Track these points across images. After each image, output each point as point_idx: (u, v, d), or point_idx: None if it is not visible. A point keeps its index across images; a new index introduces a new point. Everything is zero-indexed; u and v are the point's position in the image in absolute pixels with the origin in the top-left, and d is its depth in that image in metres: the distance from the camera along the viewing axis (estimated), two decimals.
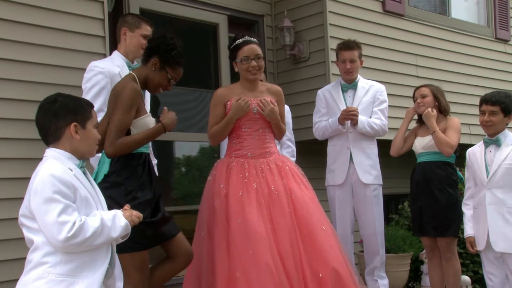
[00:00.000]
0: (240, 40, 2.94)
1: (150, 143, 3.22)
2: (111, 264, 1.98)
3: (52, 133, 1.95)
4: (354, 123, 3.63)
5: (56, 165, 1.89)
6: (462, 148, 3.54)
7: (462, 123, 3.69)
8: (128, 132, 2.45)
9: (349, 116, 3.62)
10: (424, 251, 3.91)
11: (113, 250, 2.02)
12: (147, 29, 3.05)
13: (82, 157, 2.00)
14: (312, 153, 4.43)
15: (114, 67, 2.94)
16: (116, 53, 3.06)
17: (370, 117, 3.75)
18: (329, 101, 3.82)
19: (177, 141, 4.39)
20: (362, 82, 3.82)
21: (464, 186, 3.36)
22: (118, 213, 1.97)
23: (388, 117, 3.85)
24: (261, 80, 3.40)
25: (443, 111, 3.54)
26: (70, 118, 1.95)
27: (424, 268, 4.24)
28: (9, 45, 3.01)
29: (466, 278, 4.06)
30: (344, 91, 3.80)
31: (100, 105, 2.82)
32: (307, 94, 4.47)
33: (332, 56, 4.10)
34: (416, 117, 3.70)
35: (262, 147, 2.93)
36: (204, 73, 4.57)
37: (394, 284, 4.05)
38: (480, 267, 3.30)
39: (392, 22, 5.00)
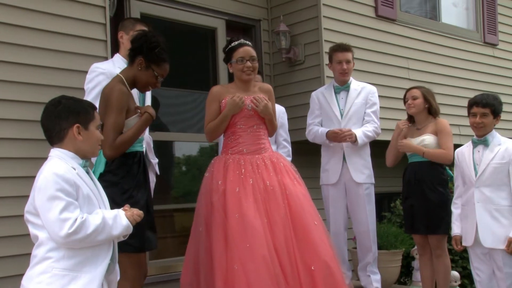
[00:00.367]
0: (236, 43, 2.98)
1: (152, 144, 3.24)
2: (113, 259, 1.99)
3: (56, 134, 1.97)
4: (353, 141, 3.64)
5: (59, 164, 1.90)
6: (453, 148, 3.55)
7: (452, 124, 3.72)
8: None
9: (345, 138, 3.62)
10: (415, 247, 3.93)
11: (115, 246, 2.03)
12: (141, 29, 3.05)
13: (85, 157, 2.01)
14: (307, 153, 4.44)
15: (115, 69, 2.95)
16: (117, 56, 3.07)
17: (363, 118, 3.78)
18: (322, 102, 3.84)
19: (177, 141, 4.40)
20: (354, 84, 3.84)
21: (454, 185, 3.38)
22: (120, 212, 1.98)
23: (380, 118, 3.87)
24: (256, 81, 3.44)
25: (433, 112, 3.55)
26: (73, 119, 1.96)
27: (415, 264, 4.26)
28: (15, 49, 3.02)
29: (455, 274, 4.08)
30: (337, 92, 3.82)
31: None
32: (302, 96, 4.49)
33: (327, 59, 4.11)
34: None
35: (256, 143, 2.96)
36: (202, 76, 4.58)
37: (386, 279, 4.07)
38: (468, 263, 3.32)
39: (385, 26, 5.02)
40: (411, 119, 3.64)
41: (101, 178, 2.39)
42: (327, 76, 4.40)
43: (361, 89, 3.81)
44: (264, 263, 2.59)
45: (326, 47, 4.36)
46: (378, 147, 4.06)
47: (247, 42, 3.00)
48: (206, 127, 3.00)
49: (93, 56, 3.24)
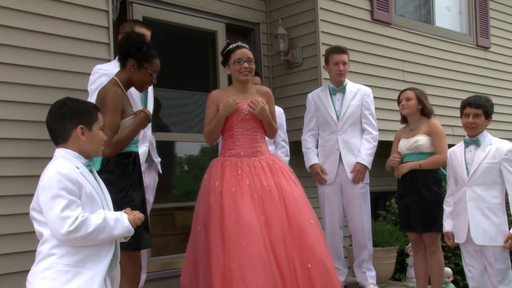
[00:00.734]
0: (233, 45, 3.00)
1: (154, 144, 3.25)
2: (115, 256, 2.00)
3: (60, 135, 1.98)
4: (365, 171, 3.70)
5: (63, 164, 1.91)
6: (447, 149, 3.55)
7: (446, 125, 3.72)
8: None
9: (359, 179, 3.68)
10: (410, 244, 3.94)
11: (117, 243, 2.03)
12: (140, 31, 3.05)
13: (88, 157, 2.02)
14: None
15: (117, 70, 2.95)
16: None
17: (360, 120, 3.78)
18: (318, 104, 3.84)
19: (178, 141, 4.41)
20: (350, 86, 3.84)
21: (446, 184, 3.39)
22: (122, 215, 1.98)
23: (376, 119, 3.88)
24: (256, 84, 3.44)
25: (427, 113, 3.55)
26: (77, 121, 1.97)
27: (410, 260, 4.26)
28: (20, 52, 3.03)
29: (448, 270, 4.08)
30: (333, 94, 3.83)
31: None
32: (300, 97, 4.49)
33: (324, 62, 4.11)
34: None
35: (253, 146, 2.96)
36: (203, 77, 4.58)
37: (381, 276, 4.07)
38: (461, 260, 3.33)
39: (380, 30, 5.03)
40: (404, 119, 3.65)
41: None
42: (324, 78, 4.40)
43: (356, 91, 3.81)
44: (260, 260, 2.59)
45: (323, 50, 4.36)
46: None
47: (244, 44, 3.02)
48: (204, 130, 3.01)
49: (96, 58, 3.24)
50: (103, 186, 2.07)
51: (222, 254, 2.67)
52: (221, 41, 4.41)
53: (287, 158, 3.76)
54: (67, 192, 1.85)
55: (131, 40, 2.51)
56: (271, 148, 3.54)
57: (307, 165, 3.84)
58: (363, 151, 3.69)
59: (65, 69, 3.18)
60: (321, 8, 4.52)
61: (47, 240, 1.89)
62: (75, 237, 1.83)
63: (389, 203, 4.96)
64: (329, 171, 3.77)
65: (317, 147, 3.87)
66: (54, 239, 1.87)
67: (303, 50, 4.60)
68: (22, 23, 3.04)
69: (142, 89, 2.64)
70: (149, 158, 3.18)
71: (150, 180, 3.21)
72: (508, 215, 3.24)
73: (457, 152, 3.22)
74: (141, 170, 2.58)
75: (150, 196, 3.22)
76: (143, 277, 3.15)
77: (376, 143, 3.77)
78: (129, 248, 2.36)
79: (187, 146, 4.50)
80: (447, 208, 3.28)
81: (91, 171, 2.02)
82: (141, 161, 3.01)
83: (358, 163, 3.67)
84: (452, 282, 4.19)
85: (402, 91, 3.64)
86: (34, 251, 1.94)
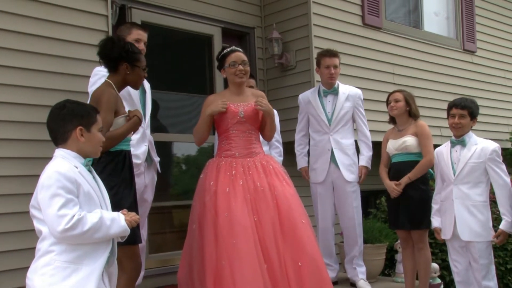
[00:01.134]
0: (228, 49, 3.02)
1: (153, 144, 3.24)
2: (112, 253, 2.00)
3: (60, 136, 1.98)
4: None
5: (62, 163, 1.91)
6: (434, 149, 3.57)
7: (433, 126, 3.74)
8: None
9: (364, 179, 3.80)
10: (398, 241, 3.95)
11: (114, 240, 2.03)
12: (138, 33, 3.05)
13: (87, 157, 2.02)
14: None
15: None
16: None
17: (352, 121, 3.79)
18: (308, 105, 3.86)
19: (176, 141, 4.41)
20: (343, 88, 3.85)
21: (434, 182, 3.40)
22: (120, 215, 1.98)
23: (367, 120, 3.90)
24: (251, 87, 3.45)
25: (412, 115, 3.57)
26: (77, 122, 1.97)
27: (398, 257, 4.28)
28: (22, 55, 3.02)
29: (435, 265, 4.10)
30: (324, 96, 3.84)
31: None
32: (293, 99, 4.49)
33: None
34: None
35: (248, 147, 2.97)
36: (200, 80, 4.59)
37: (371, 271, 4.09)
38: (447, 256, 3.35)
39: (371, 34, 5.04)
40: (392, 120, 3.66)
41: None
42: (317, 81, 4.41)
43: (348, 93, 3.83)
44: (250, 258, 2.59)
45: (316, 53, 4.38)
46: None
47: (238, 48, 3.03)
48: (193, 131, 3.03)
49: (95, 62, 3.22)
50: (101, 185, 2.07)
51: (215, 252, 2.67)
52: (218, 45, 4.42)
53: (281, 158, 3.77)
54: (65, 191, 1.85)
55: (118, 45, 2.52)
56: (265, 148, 3.54)
57: (299, 164, 3.91)
58: (366, 154, 3.78)
59: (66, 72, 3.18)
60: (314, 13, 4.53)
61: (46, 237, 1.88)
62: (71, 235, 1.83)
63: (379, 201, 4.97)
64: (320, 170, 3.78)
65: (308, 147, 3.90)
66: (53, 236, 1.86)
67: (296, 54, 4.61)
68: (23, 27, 3.03)
69: (138, 86, 2.66)
70: (148, 157, 3.17)
71: (149, 179, 3.20)
72: (493, 212, 3.27)
73: (443, 152, 3.25)
74: (132, 168, 2.56)
75: (149, 195, 3.21)
76: (141, 273, 3.14)
77: (371, 144, 3.81)
78: (124, 242, 2.35)
79: (185, 147, 4.50)
80: (435, 206, 3.31)
81: (89, 171, 2.02)
82: (141, 161, 3.02)
83: (364, 166, 3.77)
84: (439, 277, 4.21)
85: (391, 93, 3.66)
86: (34, 248, 1.94)
